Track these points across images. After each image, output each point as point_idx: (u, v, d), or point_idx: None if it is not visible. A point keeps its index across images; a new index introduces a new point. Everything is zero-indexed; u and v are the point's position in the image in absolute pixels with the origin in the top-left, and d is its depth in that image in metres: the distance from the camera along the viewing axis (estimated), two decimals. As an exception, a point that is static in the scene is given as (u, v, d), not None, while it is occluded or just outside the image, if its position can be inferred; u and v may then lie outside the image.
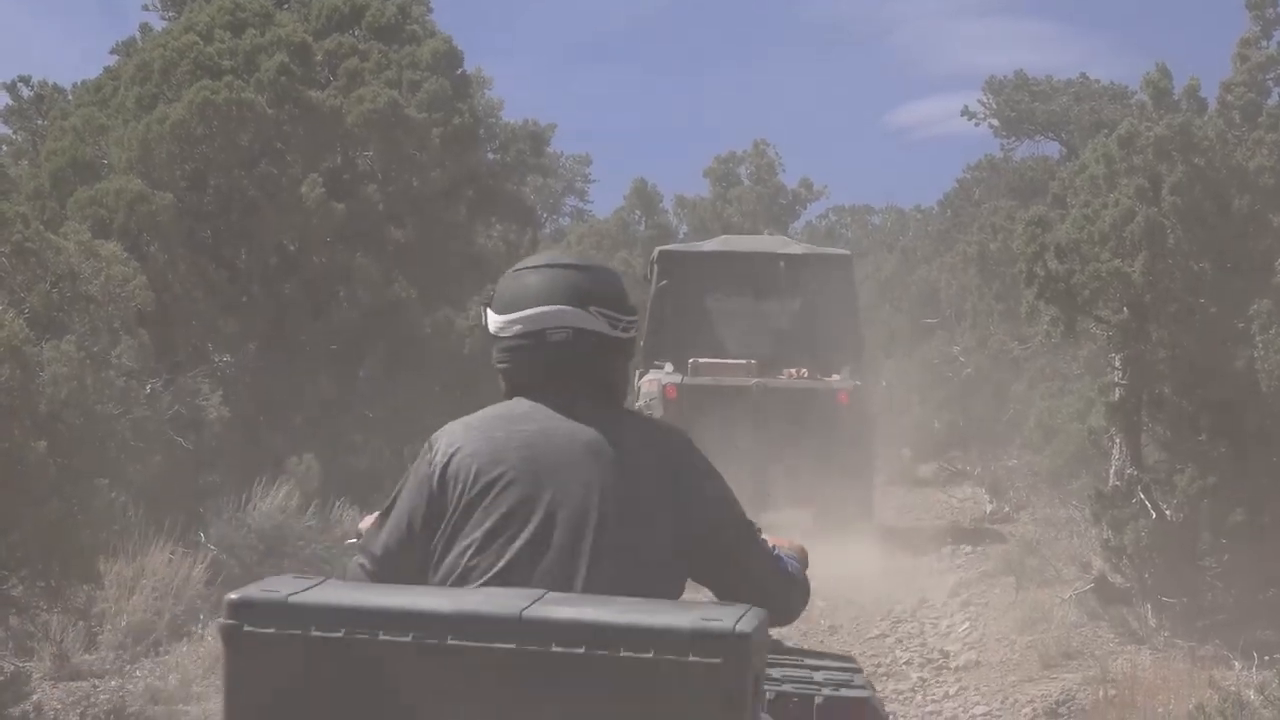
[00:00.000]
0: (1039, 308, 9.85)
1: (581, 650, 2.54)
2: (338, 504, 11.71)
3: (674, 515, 3.02)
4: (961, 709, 8.75)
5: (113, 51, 18.54)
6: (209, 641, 9.30)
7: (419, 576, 3.02)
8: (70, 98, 19.12)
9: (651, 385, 14.47)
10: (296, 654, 2.59)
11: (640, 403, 14.05)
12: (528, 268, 3.17)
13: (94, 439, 7.24)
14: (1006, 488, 16.76)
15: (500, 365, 3.16)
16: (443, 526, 3.01)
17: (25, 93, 22.43)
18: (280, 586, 2.67)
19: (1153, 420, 9.98)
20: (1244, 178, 9.40)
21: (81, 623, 8.17)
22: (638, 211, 30.79)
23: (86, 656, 8.53)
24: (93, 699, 7.88)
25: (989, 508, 16.67)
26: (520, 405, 3.11)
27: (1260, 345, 8.96)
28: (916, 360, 23.00)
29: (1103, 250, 9.45)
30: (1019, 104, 33.00)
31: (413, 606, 2.66)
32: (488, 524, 2.97)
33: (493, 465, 3.01)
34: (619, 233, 28.99)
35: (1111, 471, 10.22)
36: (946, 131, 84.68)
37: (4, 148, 21.13)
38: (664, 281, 15.52)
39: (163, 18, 19.13)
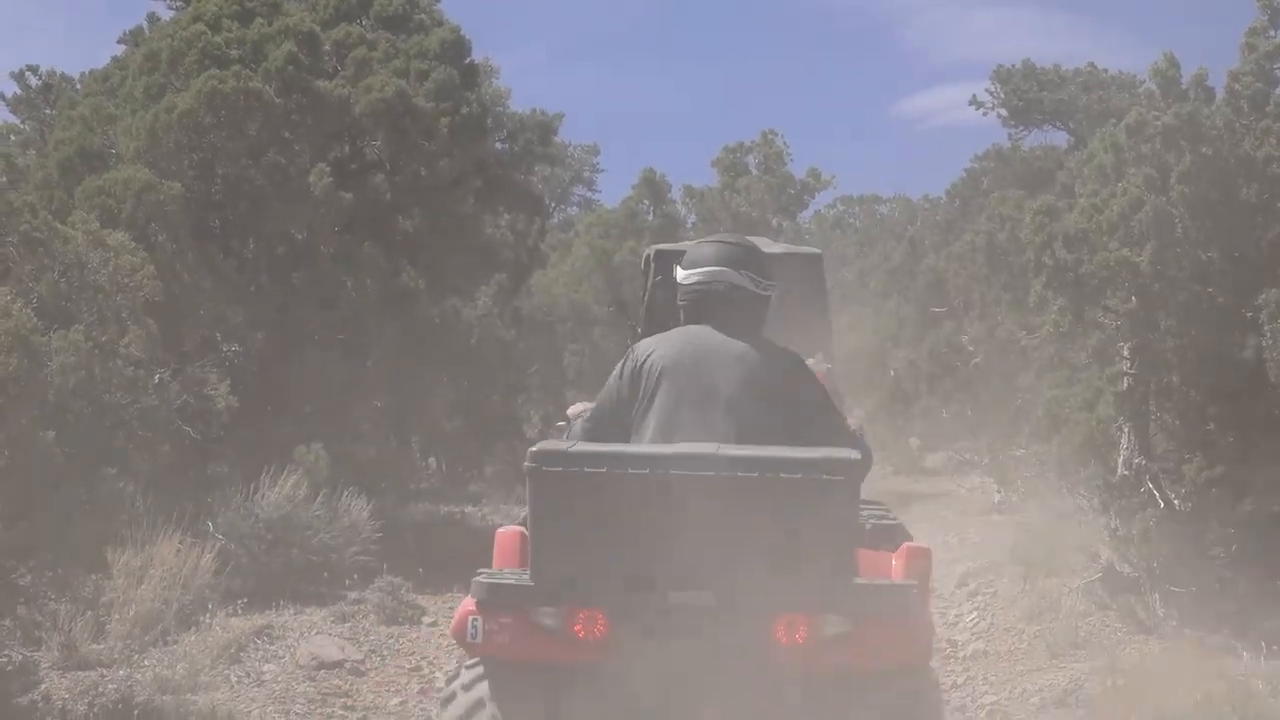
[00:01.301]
0: (1047, 297, 9.83)
1: (756, 475, 4.04)
2: (346, 493, 11.68)
3: (786, 400, 4.61)
4: (970, 698, 8.74)
5: (120, 41, 18.55)
6: (217, 631, 9.33)
7: (620, 439, 4.57)
8: (78, 87, 19.13)
9: None
10: (575, 483, 4.10)
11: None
12: (708, 240, 4.90)
13: (102, 428, 7.22)
14: (1014, 477, 16.72)
15: (681, 303, 4.79)
16: (638, 401, 4.61)
17: (33, 82, 22.46)
18: (557, 445, 4.26)
19: (1161, 410, 9.96)
20: (1252, 167, 9.37)
21: (89, 612, 8.18)
22: (646, 201, 30.62)
23: (94, 646, 8.54)
24: (100, 688, 7.88)
25: (997, 497, 16.65)
26: (692, 330, 4.71)
27: (1268, 334, 8.93)
28: (925, 349, 22.93)
29: (1111, 239, 9.44)
30: (1027, 93, 32.85)
31: (647, 451, 4.26)
32: (668, 400, 4.56)
33: (673, 364, 4.60)
34: (627, 222, 28.82)
35: (1120, 461, 10.18)
36: (954, 121, 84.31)
37: (12, 137, 21.15)
38: (658, 277, 15.74)
39: (170, 7, 19.09)
